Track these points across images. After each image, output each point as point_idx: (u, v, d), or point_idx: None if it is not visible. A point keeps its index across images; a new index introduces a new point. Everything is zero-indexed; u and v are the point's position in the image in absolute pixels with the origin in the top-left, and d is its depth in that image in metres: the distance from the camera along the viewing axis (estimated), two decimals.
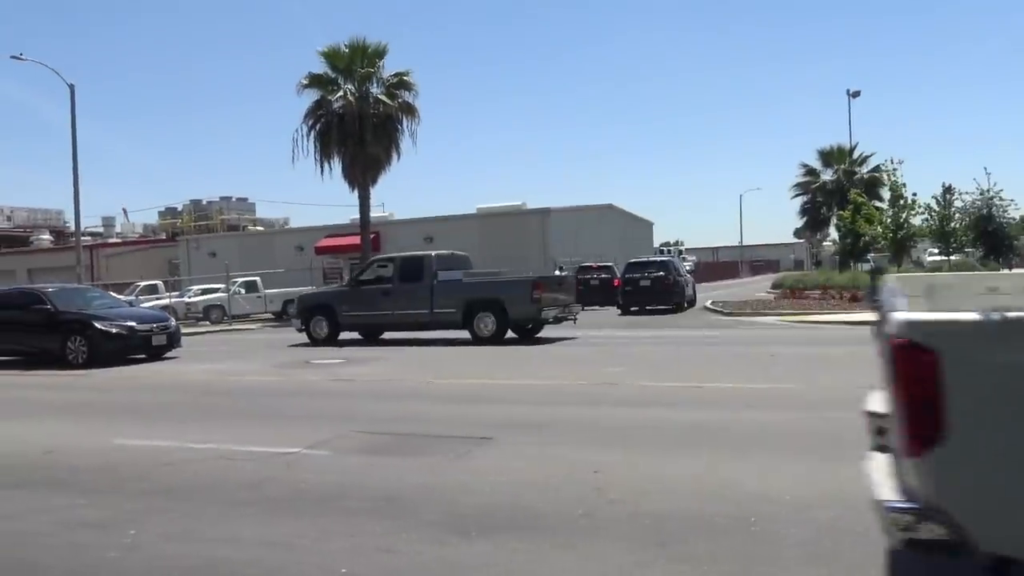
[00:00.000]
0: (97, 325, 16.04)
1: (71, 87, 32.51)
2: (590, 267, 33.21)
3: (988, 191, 45.31)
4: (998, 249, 45.38)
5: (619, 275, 32.78)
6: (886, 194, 50.06)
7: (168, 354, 16.93)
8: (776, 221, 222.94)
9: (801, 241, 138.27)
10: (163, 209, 72.89)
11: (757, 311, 25.26)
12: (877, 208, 43.68)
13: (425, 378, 11.86)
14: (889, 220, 27.83)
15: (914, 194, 28.42)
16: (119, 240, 65.95)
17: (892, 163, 27.75)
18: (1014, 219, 46.91)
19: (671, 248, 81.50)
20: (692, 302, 30.20)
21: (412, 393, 10.50)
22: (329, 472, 6.41)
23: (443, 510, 5.29)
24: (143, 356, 16.43)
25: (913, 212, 27.56)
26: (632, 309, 28.17)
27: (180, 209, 70.50)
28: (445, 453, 6.87)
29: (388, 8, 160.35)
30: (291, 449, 7.20)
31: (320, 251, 45.85)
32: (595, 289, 31.89)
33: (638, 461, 6.26)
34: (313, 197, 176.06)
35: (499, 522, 4.99)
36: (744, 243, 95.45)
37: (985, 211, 44.95)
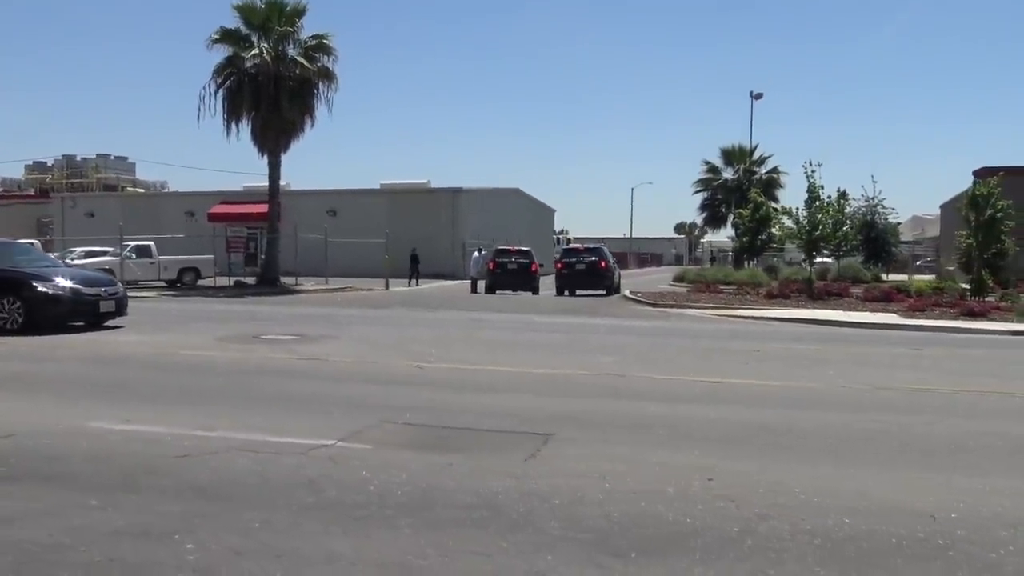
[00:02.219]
0: (37, 286, 13.99)
1: None
2: (508, 250, 32.61)
3: (873, 199, 47.98)
4: (879, 254, 48.01)
5: (536, 260, 32.52)
6: (782, 194, 52.25)
7: (111, 322, 15.07)
8: (657, 216, 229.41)
9: (682, 236, 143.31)
10: (30, 163, 67.07)
11: (680, 303, 25.35)
12: (774, 208, 45.23)
13: (403, 360, 10.93)
14: (805, 220, 28.41)
15: (843, 194, 29.12)
16: None
17: (811, 165, 28.32)
18: (895, 225, 49.74)
19: (558, 236, 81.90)
20: (618, 289, 30.45)
21: (411, 379, 9.56)
22: (387, 471, 5.50)
23: (566, 523, 4.55)
24: (81, 323, 14.54)
25: (829, 213, 28.19)
26: (564, 292, 28.88)
27: (51, 164, 65.11)
28: (510, 451, 6.09)
29: None
30: (324, 441, 6.23)
31: (213, 218, 43.40)
32: (512, 272, 31.36)
33: (739, 467, 5.67)
34: (199, 160, 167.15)
35: (649, 540, 4.30)
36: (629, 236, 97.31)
37: (869, 217, 47.50)
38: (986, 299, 24.26)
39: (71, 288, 14.30)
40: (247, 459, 5.76)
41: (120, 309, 15.12)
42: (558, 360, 11.37)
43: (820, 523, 4.54)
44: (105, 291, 14.90)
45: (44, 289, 14.02)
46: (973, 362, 12.03)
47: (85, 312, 14.49)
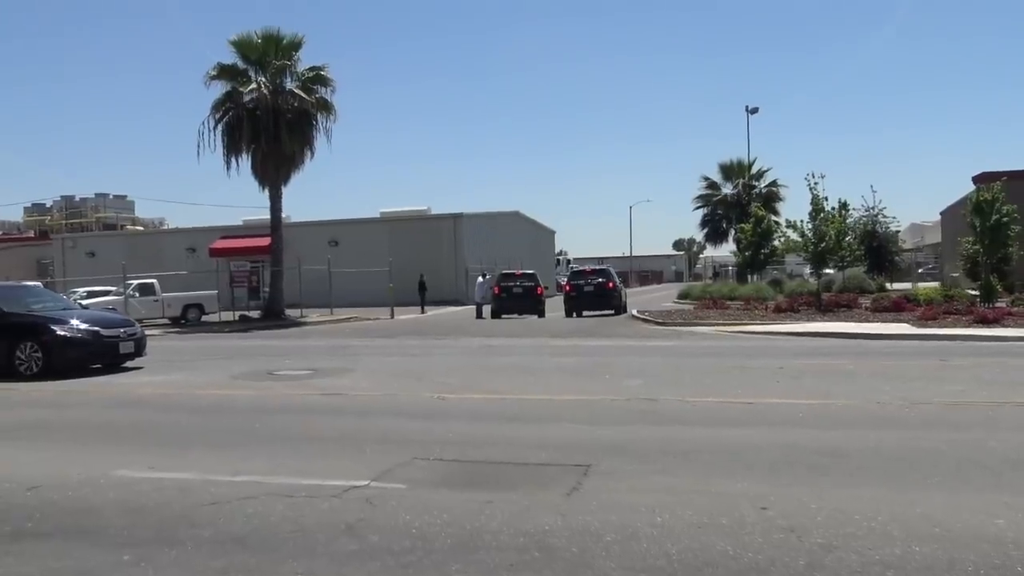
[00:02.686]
0: (56, 329, 13.74)
1: None
2: (512, 274, 32.46)
3: (873, 208, 48.00)
4: (882, 263, 47.91)
5: (541, 283, 32.45)
6: (782, 207, 52.25)
7: (130, 363, 14.83)
8: (656, 233, 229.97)
9: (681, 253, 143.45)
10: (29, 205, 67.06)
11: (689, 321, 25.15)
12: (776, 222, 45.15)
13: (423, 392, 10.73)
14: (810, 232, 28.29)
15: (844, 205, 29.04)
16: None
17: (814, 177, 28.24)
18: (895, 234, 49.68)
19: (559, 258, 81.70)
20: (625, 308, 30.37)
21: (434, 411, 9.37)
22: (428, 512, 5.30)
23: (624, 562, 4.35)
24: (99, 366, 14.29)
25: (833, 225, 28.08)
26: (573, 314, 29.15)
27: (49, 205, 65.09)
28: (550, 486, 5.89)
29: (291, 5, 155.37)
30: (356, 483, 6.03)
31: (215, 253, 43.24)
32: (518, 296, 31.22)
33: (792, 494, 5.47)
34: (197, 196, 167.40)
35: None
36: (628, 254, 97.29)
37: (871, 227, 47.47)
38: (996, 305, 24.10)
39: (90, 331, 14.07)
40: (282, 504, 5.56)
41: (139, 349, 14.89)
42: (582, 385, 11.18)
43: (890, 552, 4.35)
44: (124, 332, 14.68)
45: (63, 333, 13.78)
46: (1005, 371, 11.79)
47: (105, 354, 14.26)
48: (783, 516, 4.98)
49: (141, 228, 59.69)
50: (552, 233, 65.11)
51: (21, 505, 5.78)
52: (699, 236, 62.17)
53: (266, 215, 33.98)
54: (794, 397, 9.54)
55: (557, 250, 76.16)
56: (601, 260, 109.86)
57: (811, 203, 28.30)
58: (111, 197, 67.49)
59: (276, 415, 9.42)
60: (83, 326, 14.12)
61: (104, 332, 14.24)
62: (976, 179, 35.31)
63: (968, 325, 19.55)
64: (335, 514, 5.33)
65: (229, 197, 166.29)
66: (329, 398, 10.54)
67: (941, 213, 51.34)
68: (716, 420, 8.31)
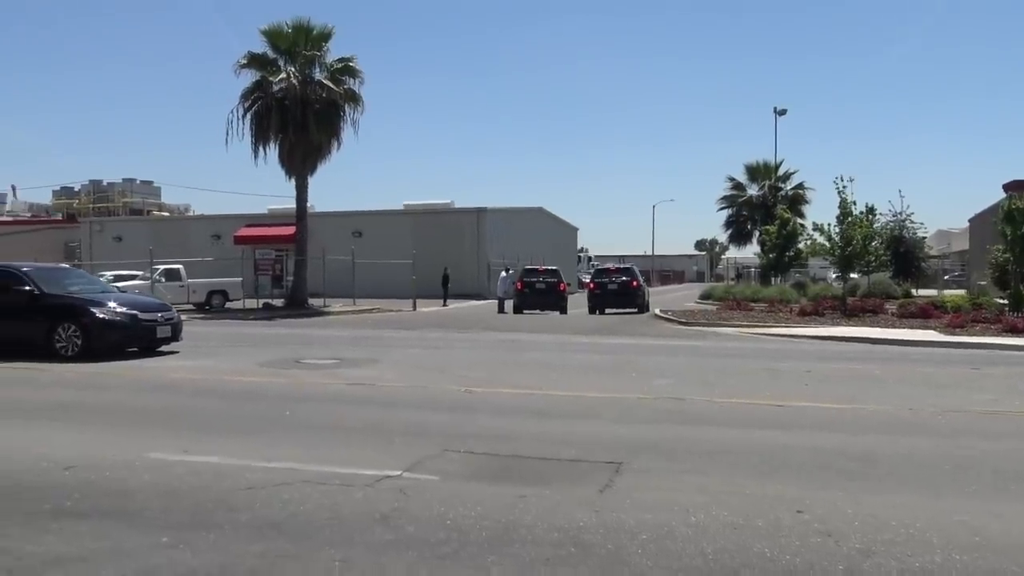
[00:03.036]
0: (95, 312, 13.83)
1: None
2: (535, 270, 32.48)
3: (901, 213, 47.48)
4: (908, 269, 47.42)
5: (564, 279, 32.47)
6: (808, 210, 51.85)
7: (165, 347, 14.92)
8: (678, 233, 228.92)
9: (703, 253, 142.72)
10: (58, 188, 67.80)
11: (713, 322, 25.03)
12: (802, 225, 44.82)
13: (449, 385, 10.76)
14: (837, 236, 28.05)
15: (871, 209, 28.72)
16: (8, 219, 60.88)
17: (843, 180, 27.98)
18: (922, 240, 49.15)
19: (580, 256, 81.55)
20: (647, 307, 30.34)
21: (461, 404, 9.39)
22: (461, 504, 5.32)
23: (660, 561, 4.34)
24: (135, 349, 14.39)
25: (861, 229, 27.80)
26: (596, 311, 29.49)
27: (77, 189, 65.75)
28: (582, 482, 5.90)
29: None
30: (388, 472, 6.07)
31: (239, 241, 43.52)
32: (540, 292, 31.23)
33: (827, 497, 5.45)
34: (221, 183, 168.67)
35: None
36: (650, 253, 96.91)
37: (897, 232, 46.98)
38: None
39: (128, 314, 14.16)
40: (316, 492, 5.60)
41: (175, 334, 14.97)
42: (609, 382, 11.17)
43: (930, 560, 4.32)
44: (162, 316, 14.76)
45: (102, 315, 13.88)
46: None
47: (142, 337, 14.34)
48: (819, 520, 4.96)
49: (167, 214, 60.21)
50: (575, 230, 65.01)
51: (59, 484, 5.85)
52: (723, 237, 61.76)
53: (290, 204, 34.14)
54: (823, 401, 9.47)
55: (579, 247, 76.12)
56: (622, 258, 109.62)
57: (839, 206, 28.05)
58: (138, 182, 68.15)
59: (305, 403, 9.49)
60: (122, 309, 14.21)
61: (142, 316, 14.33)
62: (1007, 187, 34.93)
63: (997, 334, 19.33)
64: (369, 503, 5.36)
65: (253, 186, 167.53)
66: (356, 388, 10.59)
67: (969, 220, 50.76)
68: (745, 421, 8.27)
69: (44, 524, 5.01)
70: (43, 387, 11.08)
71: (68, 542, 4.70)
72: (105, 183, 66.11)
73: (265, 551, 4.55)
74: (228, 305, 31.92)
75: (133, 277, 31.63)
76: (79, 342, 13.66)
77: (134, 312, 14.27)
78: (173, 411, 9.05)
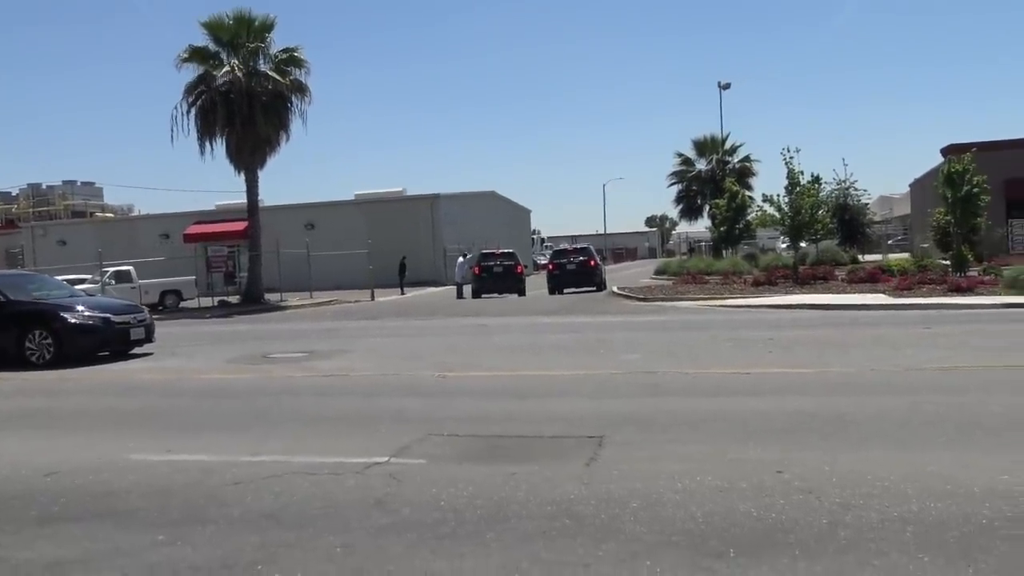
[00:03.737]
0: (66, 317, 13.56)
1: None
2: (492, 254, 32.56)
3: (845, 181, 48.51)
4: (854, 236, 48.53)
5: (520, 261, 32.64)
6: (755, 182, 52.69)
7: (138, 349, 14.71)
8: (629, 210, 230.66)
9: (654, 230, 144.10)
10: None
11: (670, 296, 25.40)
12: (750, 197, 45.58)
13: (424, 371, 10.82)
14: (787, 206, 28.63)
15: (816, 179, 29.37)
16: None
17: (789, 151, 28.54)
18: (865, 206, 50.31)
19: (533, 237, 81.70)
20: (605, 285, 30.64)
21: (439, 390, 9.47)
22: (452, 485, 5.42)
23: (653, 527, 4.50)
24: (107, 353, 14.15)
25: (810, 197, 28.43)
26: (556, 292, 29.86)
27: (15, 194, 63.85)
28: (568, 457, 6.03)
29: None
30: (376, 459, 6.14)
31: (189, 239, 42.84)
32: (498, 276, 31.34)
33: (805, 458, 5.66)
34: (167, 181, 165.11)
35: (744, 539, 4.26)
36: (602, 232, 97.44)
37: (842, 200, 48.01)
38: (968, 274, 24.63)
39: (101, 317, 13.91)
40: (307, 482, 5.65)
41: (149, 335, 14.75)
42: (580, 360, 11.33)
43: (907, 509, 4.54)
44: (134, 318, 14.53)
45: (74, 320, 13.62)
46: (988, 337, 12.15)
47: (115, 341, 14.10)
48: (800, 479, 5.17)
49: (111, 215, 58.81)
50: (528, 212, 65.16)
51: (43, 490, 5.80)
52: (673, 212, 62.62)
53: (239, 199, 33.69)
54: (790, 366, 9.77)
55: (532, 229, 76.30)
56: (575, 238, 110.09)
57: (787, 177, 28.63)
58: (79, 184, 66.45)
59: (281, 397, 9.48)
60: (94, 313, 13.97)
61: (115, 318, 14.10)
62: (945, 151, 35.87)
63: (943, 294, 20.00)
64: (362, 490, 5.43)
65: (198, 183, 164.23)
66: (331, 379, 10.60)
67: (910, 185, 52.08)
68: (718, 390, 8.50)
69: (34, 530, 4.99)
70: (8, 396, 10.86)
71: (63, 546, 4.69)
72: (44, 186, 64.35)
73: (264, 542, 4.59)
74: (182, 305, 31.41)
75: (82, 281, 30.83)
76: (51, 349, 13.40)
77: (107, 315, 14.04)
78: (149, 412, 8.97)
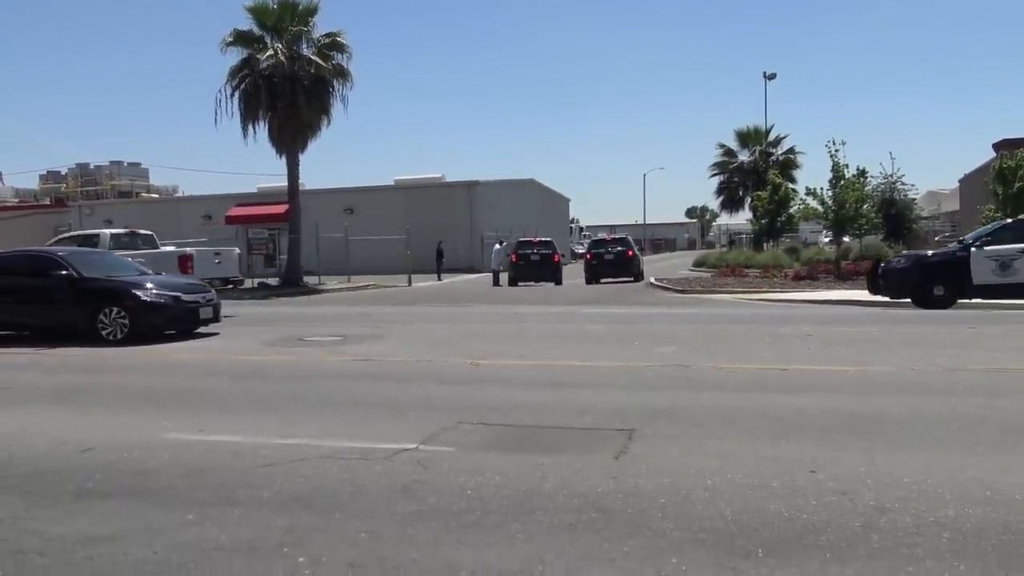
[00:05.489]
0: (139, 295, 13.66)
1: None
2: (530, 242, 32.56)
3: (892, 175, 47.53)
4: (899, 231, 47.56)
5: (558, 250, 32.59)
6: (799, 175, 51.86)
7: (204, 329, 14.80)
8: (669, 201, 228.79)
9: (694, 221, 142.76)
10: (45, 173, 67.22)
11: (709, 289, 25.20)
12: (794, 189, 44.85)
13: (456, 358, 10.83)
14: (830, 200, 28.16)
15: (862, 172, 28.83)
16: None
17: (835, 144, 28.06)
18: (912, 201, 49.27)
19: (571, 226, 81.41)
20: (642, 276, 30.60)
21: (470, 377, 9.47)
22: (480, 474, 5.40)
23: (681, 523, 4.44)
24: (172, 331, 14.26)
25: (855, 191, 27.90)
26: (593, 281, 30.12)
27: (64, 173, 65.20)
28: (598, 449, 5.98)
29: None
30: (405, 445, 6.15)
31: (231, 220, 43.39)
32: (535, 264, 31.34)
33: (840, 458, 5.55)
34: (209, 163, 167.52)
35: (773, 539, 4.18)
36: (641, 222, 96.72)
37: (888, 194, 47.06)
38: None
39: (171, 296, 14.02)
40: (336, 466, 5.68)
41: (216, 315, 14.81)
42: (614, 351, 11.25)
43: (944, 515, 4.42)
44: (203, 298, 14.61)
45: (147, 298, 13.70)
46: None
47: (185, 319, 14.19)
48: (834, 479, 5.06)
49: (156, 195, 59.77)
50: (567, 201, 64.94)
51: (80, 466, 5.90)
52: (714, 204, 61.76)
53: (280, 182, 34.04)
54: (827, 364, 9.59)
55: (570, 218, 76.03)
56: (613, 228, 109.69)
57: (831, 170, 28.16)
58: (125, 164, 67.67)
59: (315, 380, 9.56)
60: (165, 291, 14.06)
61: (185, 298, 14.20)
62: (997, 146, 35.05)
63: None
64: (389, 476, 5.43)
65: (240, 165, 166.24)
66: (364, 364, 10.65)
67: (959, 180, 50.91)
68: (752, 386, 8.37)
69: (70, 505, 5.08)
70: (51, 372, 11.09)
71: (95, 522, 4.76)
72: (92, 166, 65.63)
73: (292, 525, 4.62)
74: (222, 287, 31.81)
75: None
76: (126, 326, 13.49)
77: (176, 294, 14.13)
78: (184, 392, 9.11)
